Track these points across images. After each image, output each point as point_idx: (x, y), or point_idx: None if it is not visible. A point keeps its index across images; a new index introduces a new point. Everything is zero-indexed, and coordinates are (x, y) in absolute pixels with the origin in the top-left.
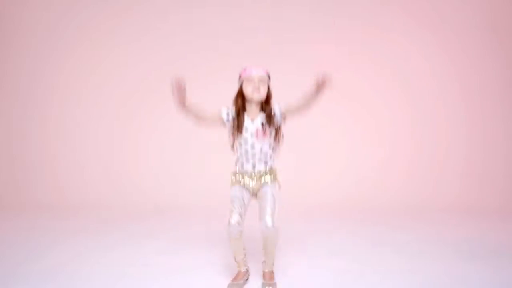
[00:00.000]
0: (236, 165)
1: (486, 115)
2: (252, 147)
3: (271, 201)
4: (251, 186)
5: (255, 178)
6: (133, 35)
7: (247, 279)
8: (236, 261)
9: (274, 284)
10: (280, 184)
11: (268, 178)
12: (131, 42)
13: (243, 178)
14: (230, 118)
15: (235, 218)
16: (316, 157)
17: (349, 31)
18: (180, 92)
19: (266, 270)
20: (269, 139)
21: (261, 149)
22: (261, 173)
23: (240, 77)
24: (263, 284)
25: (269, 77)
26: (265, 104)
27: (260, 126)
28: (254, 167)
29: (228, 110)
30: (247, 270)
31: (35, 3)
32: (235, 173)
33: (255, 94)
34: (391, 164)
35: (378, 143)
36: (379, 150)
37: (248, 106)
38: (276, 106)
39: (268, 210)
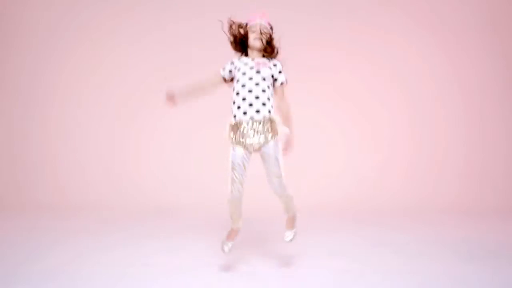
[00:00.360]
0: (232, 112)
1: (485, 115)
2: (250, 78)
3: (275, 165)
4: (250, 143)
5: (251, 134)
6: (134, 35)
7: (236, 235)
8: (231, 218)
9: (293, 233)
10: (280, 135)
11: (268, 136)
12: (132, 42)
13: (242, 135)
14: (231, 66)
15: (236, 188)
16: (315, 158)
17: (347, 32)
18: (171, 101)
19: (291, 215)
20: (267, 77)
21: (257, 84)
22: (259, 124)
23: (246, 24)
24: (285, 234)
25: (271, 28)
26: (269, 49)
27: (259, 60)
28: (251, 105)
29: (226, 64)
30: (239, 228)
31: (36, 3)
32: (232, 126)
33: (256, 42)
34: (390, 164)
35: (377, 143)
36: (378, 150)
37: (250, 53)
38: (283, 75)
39: (274, 174)
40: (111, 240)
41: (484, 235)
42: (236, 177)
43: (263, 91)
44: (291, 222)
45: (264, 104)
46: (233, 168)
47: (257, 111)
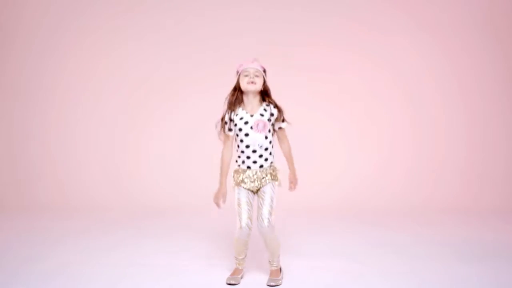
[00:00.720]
0: (237, 161)
1: (485, 116)
2: (252, 140)
3: (268, 202)
4: (252, 186)
5: (255, 180)
6: (134, 35)
7: (242, 277)
8: (236, 259)
9: (278, 280)
10: (280, 182)
11: (268, 179)
12: (132, 43)
13: (245, 179)
14: (231, 123)
15: (245, 221)
16: (315, 158)
17: (347, 32)
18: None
19: (273, 268)
20: (267, 133)
21: (260, 145)
22: (262, 174)
23: (237, 72)
24: (269, 280)
25: (264, 72)
26: (267, 97)
27: (259, 117)
28: (255, 163)
29: (226, 119)
30: (243, 269)
31: (36, 3)
32: (237, 171)
33: (250, 86)
34: (390, 164)
35: (378, 143)
36: (378, 150)
37: (245, 99)
38: (280, 122)
39: (265, 210)
40: (112, 240)
41: (484, 235)
42: (243, 211)
43: (266, 149)
44: (276, 275)
45: (266, 159)
46: (239, 204)
47: (261, 166)
